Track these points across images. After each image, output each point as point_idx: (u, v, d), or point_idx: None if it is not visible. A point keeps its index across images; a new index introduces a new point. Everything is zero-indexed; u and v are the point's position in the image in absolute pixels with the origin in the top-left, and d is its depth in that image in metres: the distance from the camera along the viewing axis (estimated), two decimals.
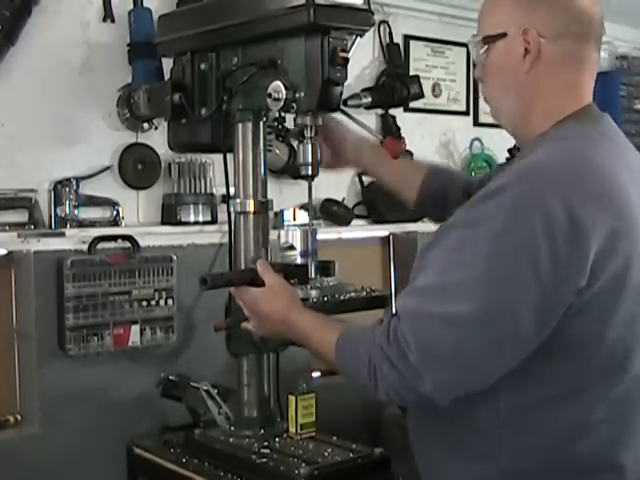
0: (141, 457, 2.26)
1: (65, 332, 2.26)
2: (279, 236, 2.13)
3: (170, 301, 2.44)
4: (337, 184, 2.88)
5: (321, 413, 2.10)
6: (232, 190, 2.08)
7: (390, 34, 3.05)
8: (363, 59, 3.00)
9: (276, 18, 1.84)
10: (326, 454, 1.99)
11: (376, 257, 3.16)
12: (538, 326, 1.40)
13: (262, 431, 2.10)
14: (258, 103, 1.95)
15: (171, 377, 2.33)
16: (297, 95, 1.84)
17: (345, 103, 2.73)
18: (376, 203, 2.98)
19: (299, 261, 2.09)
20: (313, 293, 2.00)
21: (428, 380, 1.42)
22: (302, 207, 2.60)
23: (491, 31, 1.58)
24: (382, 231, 3.09)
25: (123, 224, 2.43)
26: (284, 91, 1.82)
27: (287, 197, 2.66)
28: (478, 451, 1.52)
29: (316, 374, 2.65)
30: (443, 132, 3.26)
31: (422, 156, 3.08)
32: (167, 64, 2.23)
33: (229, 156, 2.07)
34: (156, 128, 2.46)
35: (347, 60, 1.83)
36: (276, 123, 2.54)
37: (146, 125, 2.45)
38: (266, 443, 2.04)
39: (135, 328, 2.37)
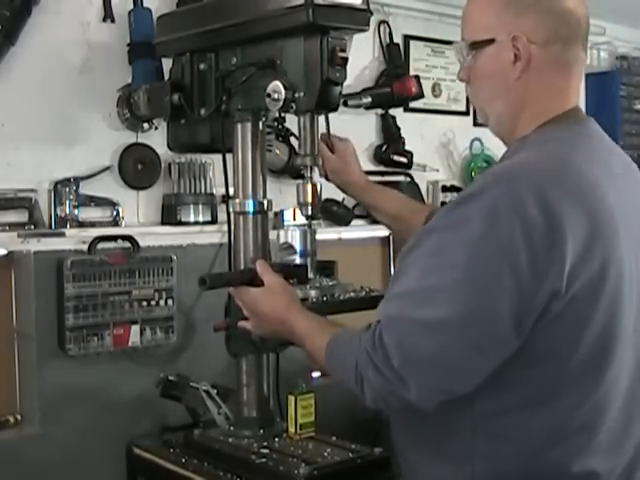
0: (141, 457, 2.25)
1: (65, 332, 2.26)
2: (278, 236, 2.13)
3: (170, 301, 2.44)
4: None
5: (320, 413, 2.10)
6: (232, 190, 2.09)
7: (390, 34, 3.04)
8: (363, 59, 2.99)
9: (275, 18, 1.84)
10: (326, 454, 1.98)
11: (376, 257, 3.16)
12: (518, 327, 1.39)
13: (261, 431, 2.10)
14: (257, 103, 1.95)
15: (171, 377, 2.33)
16: (296, 95, 1.84)
17: (345, 103, 2.73)
18: None
19: (298, 261, 2.09)
20: (312, 293, 2.00)
21: (413, 386, 1.42)
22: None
23: (478, 36, 1.55)
24: (382, 231, 3.07)
25: (123, 224, 2.43)
26: (283, 91, 1.82)
27: (287, 197, 2.65)
28: (454, 454, 1.51)
29: (316, 374, 2.65)
30: (443, 132, 3.25)
31: (422, 156, 3.10)
32: (167, 64, 2.23)
33: (228, 156, 2.07)
34: (156, 128, 2.46)
35: (346, 60, 1.83)
36: (276, 123, 2.54)
37: (146, 125, 2.45)
38: (265, 443, 2.04)
39: (135, 328, 2.37)
